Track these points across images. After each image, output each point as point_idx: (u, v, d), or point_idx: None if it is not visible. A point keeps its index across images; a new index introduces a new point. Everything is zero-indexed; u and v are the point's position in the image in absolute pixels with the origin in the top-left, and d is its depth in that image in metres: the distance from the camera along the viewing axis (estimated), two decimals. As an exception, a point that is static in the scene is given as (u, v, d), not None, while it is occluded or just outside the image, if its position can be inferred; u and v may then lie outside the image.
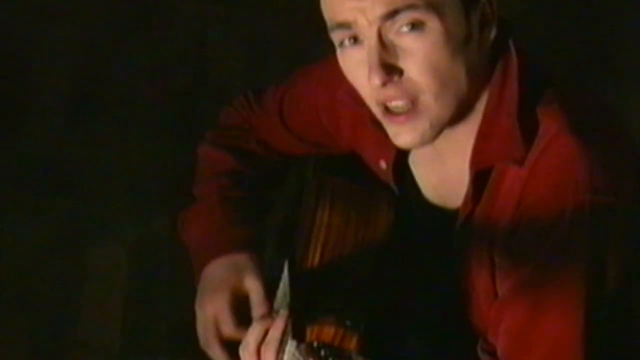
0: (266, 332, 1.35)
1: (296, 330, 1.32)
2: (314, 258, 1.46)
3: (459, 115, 1.39)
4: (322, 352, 1.28)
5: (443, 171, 1.47)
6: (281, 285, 1.51)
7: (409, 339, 1.47)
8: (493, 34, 1.39)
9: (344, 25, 1.36)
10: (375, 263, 1.46)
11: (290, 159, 1.70)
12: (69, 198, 2.89)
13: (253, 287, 1.52)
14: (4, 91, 3.08)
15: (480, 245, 1.41)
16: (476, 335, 1.42)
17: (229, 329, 1.52)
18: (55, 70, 3.18)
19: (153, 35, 3.23)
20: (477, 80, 1.40)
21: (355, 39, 1.36)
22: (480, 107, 1.41)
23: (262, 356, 1.35)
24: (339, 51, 1.39)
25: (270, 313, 1.47)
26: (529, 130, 1.38)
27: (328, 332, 1.33)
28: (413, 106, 1.36)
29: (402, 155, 1.51)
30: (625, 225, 1.36)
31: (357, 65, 1.38)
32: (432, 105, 1.36)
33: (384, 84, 1.35)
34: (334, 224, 1.48)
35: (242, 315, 1.52)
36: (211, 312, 1.53)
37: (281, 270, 1.50)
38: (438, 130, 1.38)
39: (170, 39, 3.21)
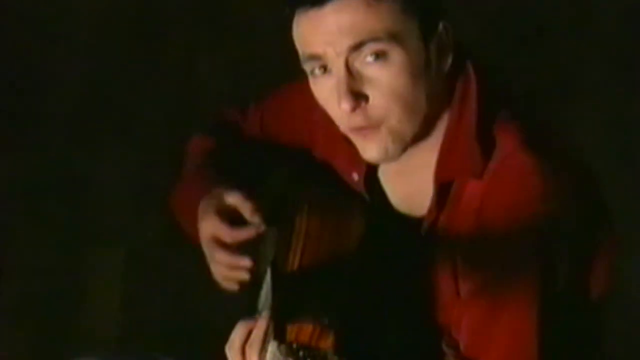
0: (250, 332, 1.34)
1: (277, 330, 1.32)
2: (294, 263, 1.45)
3: (421, 132, 1.40)
4: (301, 353, 1.26)
5: (409, 183, 1.48)
6: (264, 287, 1.51)
7: (382, 335, 1.46)
8: (450, 59, 1.40)
9: (314, 57, 1.38)
10: (350, 266, 1.45)
11: (266, 167, 1.65)
12: (72, 207, 2.88)
13: (233, 197, 1.47)
14: (12, 106, 3.07)
15: (444, 250, 1.42)
16: (442, 332, 1.42)
17: (226, 234, 1.46)
18: (60, 90, 3.18)
19: (148, 58, 3.23)
20: (438, 100, 1.41)
21: (325, 68, 1.38)
22: (442, 124, 1.42)
23: (247, 355, 1.34)
24: (311, 79, 1.41)
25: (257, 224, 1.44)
26: (487, 146, 1.39)
27: (306, 330, 1.32)
28: (378, 127, 1.38)
29: (372, 168, 1.51)
30: (572, 232, 1.37)
31: (327, 92, 1.39)
32: (396, 126, 1.38)
33: (352, 110, 1.36)
34: (312, 231, 1.48)
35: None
36: (208, 232, 1.48)
37: (263, 271, 1.50)
38: (402, 147, 1.40)
39: (163, 61, 3.21)
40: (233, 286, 1.48)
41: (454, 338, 1.40)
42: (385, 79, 1.35)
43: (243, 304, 1.55)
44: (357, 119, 1.38)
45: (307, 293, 1.41)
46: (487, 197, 1.38)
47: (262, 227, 1.44)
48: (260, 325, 1.34)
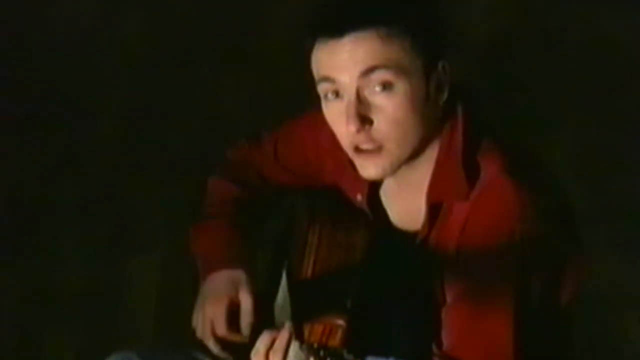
0: (273, 340, 1.33)
1: (298, 332, 1.33)
2: (307, 272, 1.46)
3: (413, 155, 1.40)
4: (321, 353, 1.26)
5: (405, 203, 1.48)
6: (280, 292, 1.51)
7: (383, 334, 1.46)
8: (445, 95, 1.40)
9: (328, 79, 1.37)
10: (356, 274, 1.46)
11: (282, 189, 1.67)
12: (115, 219, 2.90)
13: (245, 300, 1.52)
14: (65, 136, 3.09)
15: (434, 262, 1.42)
16: (435, 333, 1.41)
17: (221, 330, 1.52)
18: (105, 120, 3.20)
19: (179, 94, 3.25)
20: (431, 130, 1.40)
21: (337, 93, 1.38)
22: (433, 153, 1.42)
23: None
24: (323, 102, 1.41)
25: (253, 323, 1.50)
26: (472, 173, 1.39)
27: (317, 330, 1.34)
28: (379, 149, 1.38)
29: (374, 190, 1.51)
30: (546, 248, 1.37)
31: (337, 115, 1.39)
32: (394, 149, 1.38)
33: (358, 131, 1.36)
34: (323, 244, 1.49)
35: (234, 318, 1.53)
36: (210, 314, 1.53)
37: (279, 280, 1.51)
38: (397, 167, 1.40)
39: (191, 97, 3.23)
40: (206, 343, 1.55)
41: (441, 340, 1.40)
42: (389, 107, 1.35)
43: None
44: (361, 139, 1.37)
45: (319, 298, 1.42)
46: (472, 216, 1.38)
47: (246, 341, 1.47)
48: (283, 334, 1.32)
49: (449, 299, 1.40)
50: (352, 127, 1.36)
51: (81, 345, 2.51)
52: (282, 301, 1.48)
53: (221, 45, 3.31)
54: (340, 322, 1.35)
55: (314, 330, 1.35)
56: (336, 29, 1.34)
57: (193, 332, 1.56)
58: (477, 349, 1.36)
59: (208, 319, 1.54)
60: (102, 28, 3.43)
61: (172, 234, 2.82)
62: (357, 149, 1.39)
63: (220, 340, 1.53)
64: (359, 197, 1.52)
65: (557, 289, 1.41)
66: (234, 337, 1.51)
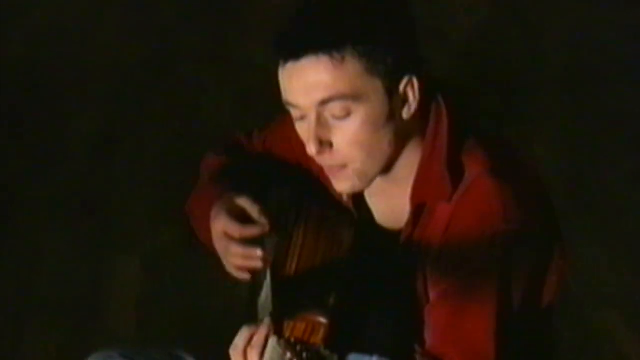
0: (252, 337, 1.33)
1: (277, 327, 1.33)
2: (291, 269, 1.46)
3: (389, 164, 1.40)
4: (298, 347, 1.28)
5: (390, 202, 1.48)
6: (264, 289, 1.52)
7: (366, 332, 1.46)
8: (414, 106, 1.37)
9: (290, 104, 1.38)
10: (341, 272, 1.46)
11: (268, 184, 1.63)
12: (94, 218, 2.90)
13: (242, 201, 1.46)
14: (44, 134, 3.08)
15: (418, 260, 1.43)
16: (417, 330, 1.43)
17: (236, 230, 1.43)
18: (85, 115, 3.19)
19: (160, 91, 3.25)
20: (407, 137, 1.40)
21: (302, 116, 1.38)
22: (418, 152, 1.41)
23: (248, 357, 1.33)
24: (294, 121, 1.42)
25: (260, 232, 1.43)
26: (456, 174, 1.39)
27: (300, 327, 1.34)
28: (344, 167, 1.39)
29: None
30: (529, 247, 1.38)
31: (303, 135, 1.40)
32: (360, 167, 1.39)
33: (317, 154, 1.38)
34: (308, 241, 1.49)
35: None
36: (220, 229, 1.45)
37: (263, 278, 1.51)
38: (370, 180, 1.41)
39: (173, 93, 3.23)
40: (245, 275, 1.46)
41: (424, 338, 1.41)
42: (349, 132, 1.35)
43: (246, 304, 1.56)
44: (325, 160, 1.39)
45: (303, 295, 1.42)
46: (455, 216, 1.38)
47: (267, 227, 1.43)
48: (262, 330, 1.33)
49: (432, 297, 1.41)
50: (312, 150, 1.37)
51: (63, 344, 2.50)
52: (265, 298, 1.48)
53: (203, 42, 3.31)
54: (323, 320, 1.35)
55: (297, 328, 1.34)
56: (293, 52, 1.34)
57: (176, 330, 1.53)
58: (458, 347, 1.36)
59: (220, 235, 1.45)
60: (81, 26, 3.43)
61: (153, 234, 2.83)
62: (328, 167, 1.41)
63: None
64: (344, 196, 1.52)
65: (540, 288, 1.42)
66: (254, 231, 1.43)
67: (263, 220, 1.44)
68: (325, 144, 1.37)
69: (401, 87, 1.37)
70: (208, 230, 1.49)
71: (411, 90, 1.37)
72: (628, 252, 2.76)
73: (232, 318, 1.49)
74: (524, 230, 1.36)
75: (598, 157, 3.12)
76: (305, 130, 1.39)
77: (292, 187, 1.60)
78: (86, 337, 2.50)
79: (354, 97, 1.34)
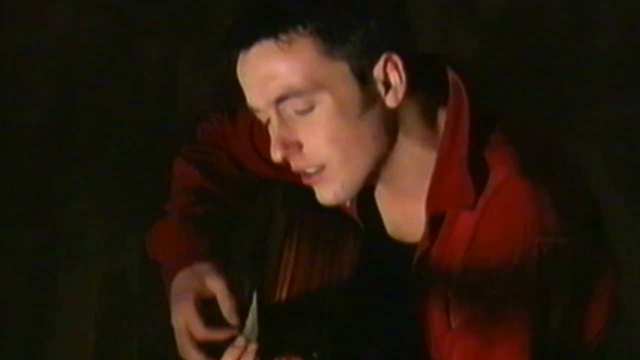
0: None
1: (265, 356, 1.34)
2: (282, 293, 1.47)
3: (379, 166, 1.39)
4: None
5: (403, 210, 1.49)
6: (250, 315, 1.51)
7: None
8: (402, 90, 1.36)
9: (252, 109, 1.40)
10: (340, 296, 1.46)
11: (261, 180, 1.68)
12: (42, 230, 2.89)
13: (216, 287, 1.51)
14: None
15: (436, 280, 1.42)
16: None
17: (199, 332, 1.49)
18: (30, 103, 3.19)
19: (127, 72, 3.25)
20: (410, 130, 1.39)
21: (268, 119, 1.39)
22: (431, 152, 1.40)
23: None
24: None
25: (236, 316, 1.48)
26: (479, 176, 1.38)
27: None
28: (321, 171, 1.39)
29: (365, 194, 1.50)
30: (572, 265, 1.36)
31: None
32: (338, 170, 1.38)
33: (285, 158, 1.38)
34: (301, 261, 1.49)
35: (213, 317, 1.51)
36: (181, 320, 1.51)
37: (250, 293, 1.51)
38: (355, 188, 1.40)
39: (142, 75, 3.23)
40: None
41: None
42: (316, 126, 1.36)
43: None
44: (298, 164, 1.39)
45: (296, 325, 1.43)
46: (481, 227, 1.38)
47: (236, 332, 1.45)
48: (248, 358, 1.35)
49: (454, 324, 1.41)
50: (277, 154, 1.38)
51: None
52: (250, 328, 1.47)
53: (179, 15, 3.32)
54: (320, 356, 1.35)
55: None
56: (237, 42, 1.35)
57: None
58: None
59: (182, 326, 1.51)
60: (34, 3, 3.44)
61: (113, 247, 2.82)
62: (304, 174, 1.41)
63: (205, 347, 1.50)
64: (347, 202, 1.51)
65: (585, 317, 1.42)
66: (220, 335, 1.48)
67: (233, 322, 1.48)
68: (292, 146, 1.38)
69: (377, 69, 1.35)
70: (170, 283, 1.56)
71: (393, 70, 1.36)
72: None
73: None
74: (563, 243, 1.35)
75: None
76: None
77: (284, 190, 1.61)
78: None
79: (314, 86, 1.33)
